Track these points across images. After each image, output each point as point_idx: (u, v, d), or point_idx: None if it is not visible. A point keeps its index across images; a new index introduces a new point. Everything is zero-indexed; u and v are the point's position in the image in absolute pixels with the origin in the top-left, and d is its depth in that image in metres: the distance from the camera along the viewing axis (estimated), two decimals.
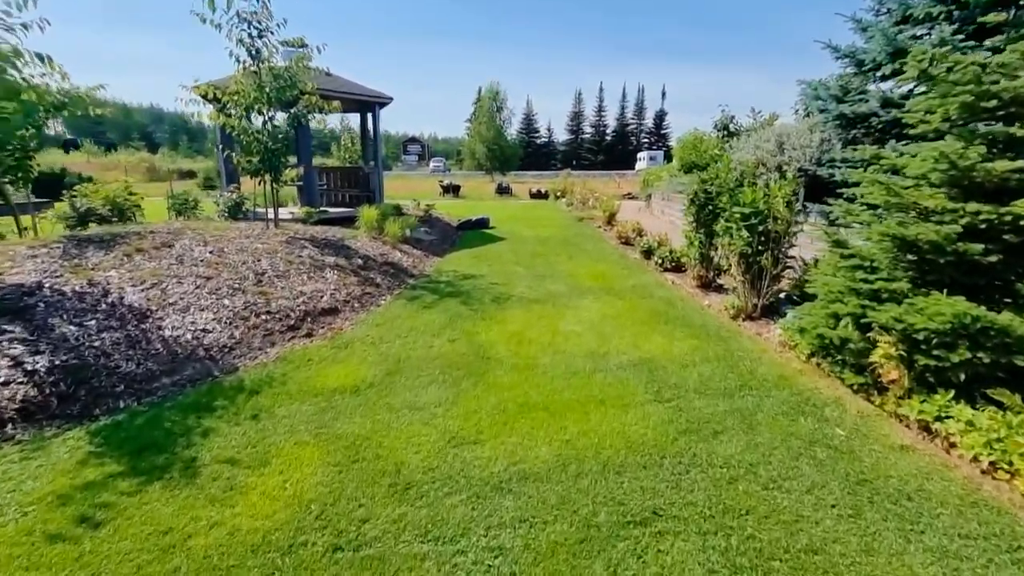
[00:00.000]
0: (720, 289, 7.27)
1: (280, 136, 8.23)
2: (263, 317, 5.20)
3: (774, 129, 10.05)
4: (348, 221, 10.86)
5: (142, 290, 5.05)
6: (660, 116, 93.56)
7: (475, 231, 13.28)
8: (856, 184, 4.47)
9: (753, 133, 11.22)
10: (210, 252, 6.24)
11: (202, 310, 4.98)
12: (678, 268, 8.58)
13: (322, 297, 6.05)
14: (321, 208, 12.93)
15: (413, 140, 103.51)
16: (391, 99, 12.23)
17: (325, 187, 14.28)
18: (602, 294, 6.97)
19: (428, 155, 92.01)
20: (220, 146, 8.16)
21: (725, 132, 16.66)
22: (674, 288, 7.47)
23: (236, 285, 5.60)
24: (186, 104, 7.35)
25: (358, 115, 14.74)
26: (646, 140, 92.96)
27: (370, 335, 5.34)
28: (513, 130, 65.43)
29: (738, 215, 5.87)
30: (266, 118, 8.01)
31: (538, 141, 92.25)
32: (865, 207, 4.34)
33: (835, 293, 4.10)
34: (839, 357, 4.05)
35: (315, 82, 9.00)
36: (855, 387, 3.92)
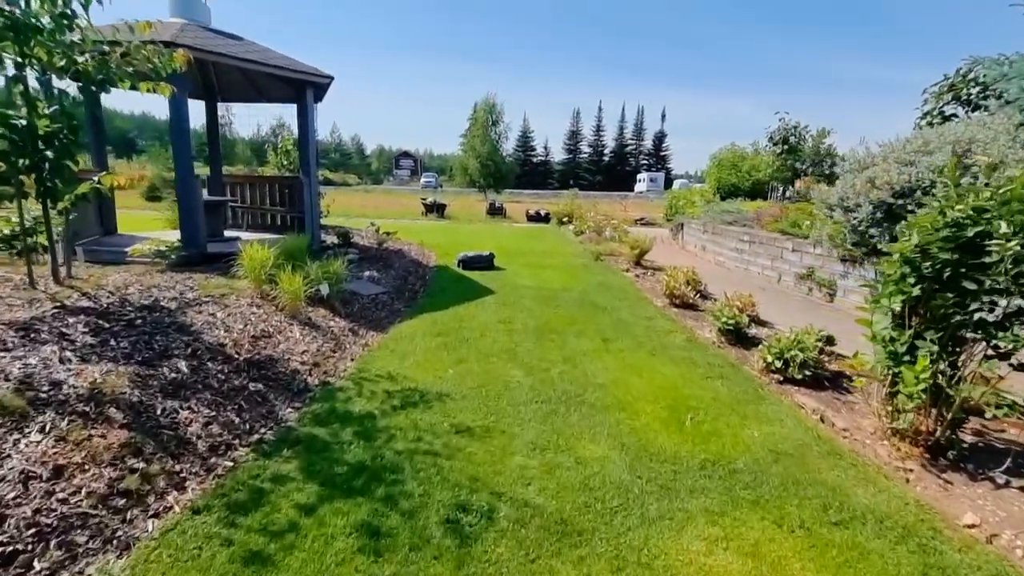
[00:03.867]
0: (965, 465, 3.23)
1: (58, 109, 4.19)
2: None
3: (941, 134, 6.12)
4: None
5: None
6: (660, 137, 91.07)
7: (449, 274, 9.21)
8: None
9: (864, 148, 7.31)
10: None
11: None
12: (817, 381, 4.55)
13: None
14: (229, 236, 8.94)
15: (406, 154, 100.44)
16: (330, 79, 8.26)
17: (239, 204, 10.24)
18: (714, 489, 2.88)
19: (421, 170, 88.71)
20: None
21: (784, 147, 12.86)
22: (858, 454, 3.40)
23: None
24: None
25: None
26: (645, 162, 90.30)
27: None
28: (509, 146, 62.04)
29: None
30: (15, 74, 3.97)
31: (534, 159, 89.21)
32: None
33: None
34: None
35: (164, 28, 5.01)
36: None
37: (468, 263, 9.58)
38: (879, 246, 6.57)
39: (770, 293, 8.64)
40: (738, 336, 5.72)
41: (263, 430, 3.40)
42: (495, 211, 24.47)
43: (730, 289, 8.71)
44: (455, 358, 4.90)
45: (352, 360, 4.80)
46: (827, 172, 14.73)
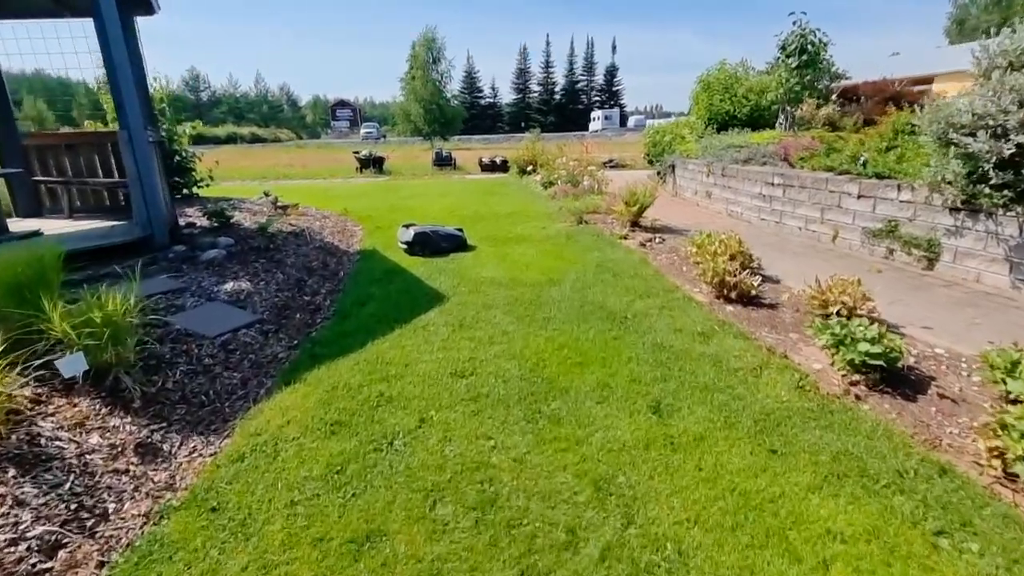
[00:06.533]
0: None
1: None
2: None
3: None
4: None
5: None
6: (611, 72, 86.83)
7: (377, 265, 6.25)
8: None
9: None
10: None
11: None
12: None
13: None
14: (21, 232, 5.82)
15: (343, 104, 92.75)
16: None
17: (52, 179, 6.87)
18: None
19: (360, 120, 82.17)
20: None
21: (802, 59, 10.14)
22: None
23: None
24: None
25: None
26: (597, 98, 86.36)
27: None
28: (454, 88, 56.78)
29: None
30: None
31: (482, 102, 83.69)
32: None
33: None
34: None
35: None
36: None
37: (420, 245, 6.61)
38: None
39: (826, 258, 6.18)
40: (888, 375, 3.17)
41: None
42: (443, 162, 21.08)
43: (765, 252, 6.20)
44: (359, 526, 2.14)
45: (99, 567, 1.97)
46: (824, 92, 12.30)
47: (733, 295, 4.62)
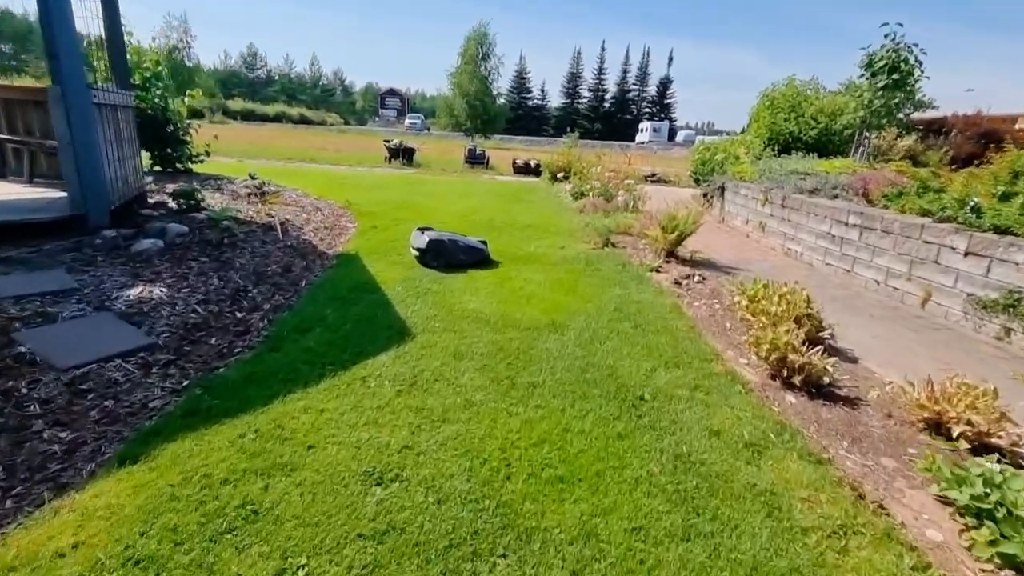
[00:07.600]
0: None
1: None
2: None
3: None
4: None
5: None
6: (664, 84, 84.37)
7: (352, 274, 5.18)
8: None
9: None
10: None
11: None
12: None
13: None
14: None
15: (392, 93, 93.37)
16: None
17: (10, 138, 6.09)
18: None
19: (408, 110, 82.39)
20: None
21: (893, 78, 8.61)
22: None
23: None
24: None
25: None
26: (648, 110, 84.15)
27: None
28: (503, 85, 55.65)
29: None
30: None
31: (530, 103, 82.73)
32: None
33: None
34: None
35: None
36: None
37: (434, 254, 5.50)
38: None
39: (915, 328, 4.77)
40: None
41: None
42: (475, 159, 20.06)
43: (833, 311, 4.80)
44: None
45: None
46: (905, 121, 10.79)
47: (796, 380, 3.34)
